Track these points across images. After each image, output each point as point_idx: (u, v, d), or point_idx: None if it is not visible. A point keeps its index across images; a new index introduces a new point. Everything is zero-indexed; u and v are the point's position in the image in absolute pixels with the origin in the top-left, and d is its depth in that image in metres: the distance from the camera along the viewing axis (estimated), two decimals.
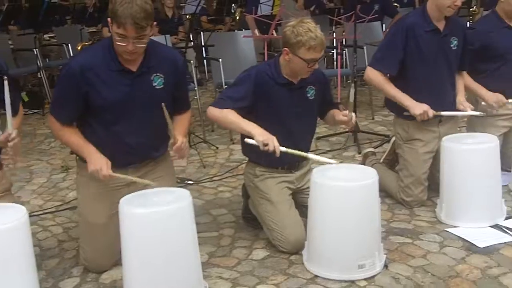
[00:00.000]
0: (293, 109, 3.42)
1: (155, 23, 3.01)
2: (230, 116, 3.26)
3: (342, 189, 3.00)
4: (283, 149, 3.16)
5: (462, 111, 3.95)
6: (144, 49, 3.03)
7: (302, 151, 3.29)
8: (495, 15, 4.34)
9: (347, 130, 5.58)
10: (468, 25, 4.61)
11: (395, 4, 9.73)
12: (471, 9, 9.89)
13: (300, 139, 3.47)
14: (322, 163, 3.26)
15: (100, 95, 3.04)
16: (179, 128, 3.21)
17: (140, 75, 3.09)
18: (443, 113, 3.82)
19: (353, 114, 3.41)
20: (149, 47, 3.09)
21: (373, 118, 6.40)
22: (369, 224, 3.04)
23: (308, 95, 3.48)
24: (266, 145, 3.11)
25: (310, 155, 3.32)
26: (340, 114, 3.45)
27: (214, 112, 3.32)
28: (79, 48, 7.61)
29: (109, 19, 2.93)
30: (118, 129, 3.12)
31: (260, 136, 3.14)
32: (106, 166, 3.01)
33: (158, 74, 3.13)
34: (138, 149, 3.18)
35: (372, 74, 3.90)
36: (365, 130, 5.86)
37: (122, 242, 2.78)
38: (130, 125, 3.12)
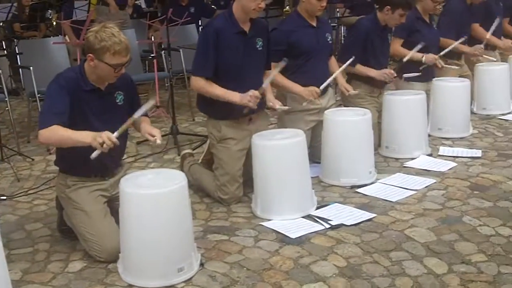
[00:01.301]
0: (103, 116, 3.35)
1: None
2: (60, 132, 3.11)
3: (150, 196, 2.98)
4: (116, 134, 3.09)
5: (271, 108, 4.12)
6: None
7: (114, 156, 3.28)
8: (297, 15, 4.55)
9: (168, 132, 5.60)
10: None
11: (213, 6, 9.89)
12: (284, 10, 10.29)
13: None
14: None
15: None
16: None
17: None
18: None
19: (159, 142, 3.35)
20: None
21: (193, 119, 6.45)
22: (182, 227, 3.05)
23: (117, 101, 3.42)
24: (102, 143, 3.02)
25: (135, 116, 3.20)
26: (147, 133, 3.40)
27: (44, 134, 3.13)
28: None
29: None
30: None
31: (93, 140, 3.04)
32: None
33: None
34: None
35: (197, 83, 3.94)
36: (185, 131, 5.90)
37: None
38: None
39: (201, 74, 3.92)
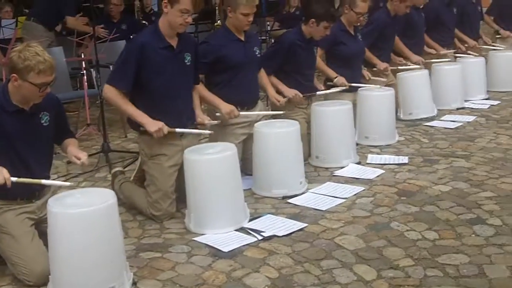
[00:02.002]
0: (27, 138, 3.31)
1: None
2: None
3: (78, 215, 2.95)
4: (14, 179, 3.09)
5: (201, 123, 4.15)
6: None
7: (36, 178, 3.23)
8: (225, 29, 4.59)
9: (99, 150, 5.53)
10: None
11: (144, 22, 9.86)
12: (215, 24, 10.34)
13: (37, 167, 3.38)
14: (60, 188, 3.23)
15: None
16: None
17: None
18: (177, 130, 3.96)
19: (79, 163, 3.37)
20: None
21: (126, 136, 6.39)
22: (112, 246, 3.03)
23: (42, 122, 3.38)
24: None
25: (43, 181, 3.25)
26: (73, 156, 3.40)
27: None
28: None
29: None
30: None
31: None
32: None
33: None
34: None
35: (109, 92, 3.90)
36: (118, 148, 5.83)
37: None
38: None
39: (115, 84, 3.89)
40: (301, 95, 4.99)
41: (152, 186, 4.03)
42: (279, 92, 4.96)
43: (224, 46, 4.48)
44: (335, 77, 5.45)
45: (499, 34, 8.03)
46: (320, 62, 5.51)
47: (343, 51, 5.55)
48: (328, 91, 5.36)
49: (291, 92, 4.96)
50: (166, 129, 3.84)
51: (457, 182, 4.42)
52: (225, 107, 4.37)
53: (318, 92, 5.28)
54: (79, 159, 3.33)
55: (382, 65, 6.09)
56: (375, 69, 6.07)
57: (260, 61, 4.78)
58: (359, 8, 5.49)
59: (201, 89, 4.36)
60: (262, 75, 4.84)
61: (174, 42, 3.99)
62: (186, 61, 4.05)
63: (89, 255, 2.95)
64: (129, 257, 3.37)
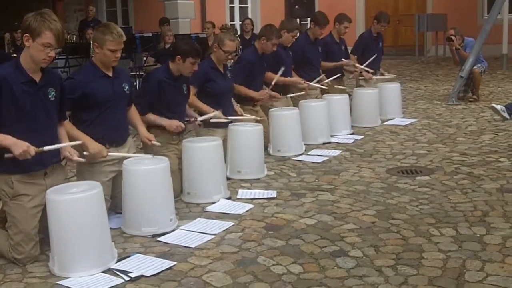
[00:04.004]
0: None
1: None
2: None
3: None
4: None
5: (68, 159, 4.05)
6: None
7: None
8: (92, 65, 4.56)
9: None
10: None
11: (15, 55, 9.57)
12: (90, 58, 10.25)
13: None
14: None
15: None
16: None
17: None
18: (45, 148, 3.83)
19: None
20: None
21: None
22: None
23: None
24: None
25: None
26: None
27: None
28: None
29: None
30: None
31: None
32: None
33: None
34: None
35: None
36: None
37: None
38: None
39: None
40: (182, 125, 5.08)
41: (13, 228, 3.86)
42: (162, 127, 4.99)
43: (91, 82, 4.44)
44: (213, 111, 5.53)
45: (362, 76, 8.46)
46: (194, 99, 5.59)
47: (213, 88, 5.67)
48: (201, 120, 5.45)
49: (173, 124, 5.03)
50: (32, 150, 3.71)
51: (321, 215, 4.58)
52: (94, 147, 4.30)
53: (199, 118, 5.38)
54: None
55: (259, 95, 6.26)
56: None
57: (130, 97, 4.75)
58: (227, 47, 5.65)
59: (68, 127, 4.26)
60: (134, 112, 4.82)
61: (37, 77, 3.88)
62: (50, 96, 3.96)
63: None
64: None
